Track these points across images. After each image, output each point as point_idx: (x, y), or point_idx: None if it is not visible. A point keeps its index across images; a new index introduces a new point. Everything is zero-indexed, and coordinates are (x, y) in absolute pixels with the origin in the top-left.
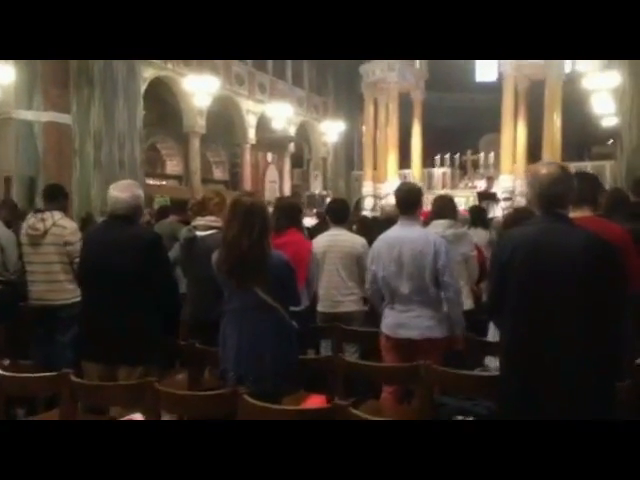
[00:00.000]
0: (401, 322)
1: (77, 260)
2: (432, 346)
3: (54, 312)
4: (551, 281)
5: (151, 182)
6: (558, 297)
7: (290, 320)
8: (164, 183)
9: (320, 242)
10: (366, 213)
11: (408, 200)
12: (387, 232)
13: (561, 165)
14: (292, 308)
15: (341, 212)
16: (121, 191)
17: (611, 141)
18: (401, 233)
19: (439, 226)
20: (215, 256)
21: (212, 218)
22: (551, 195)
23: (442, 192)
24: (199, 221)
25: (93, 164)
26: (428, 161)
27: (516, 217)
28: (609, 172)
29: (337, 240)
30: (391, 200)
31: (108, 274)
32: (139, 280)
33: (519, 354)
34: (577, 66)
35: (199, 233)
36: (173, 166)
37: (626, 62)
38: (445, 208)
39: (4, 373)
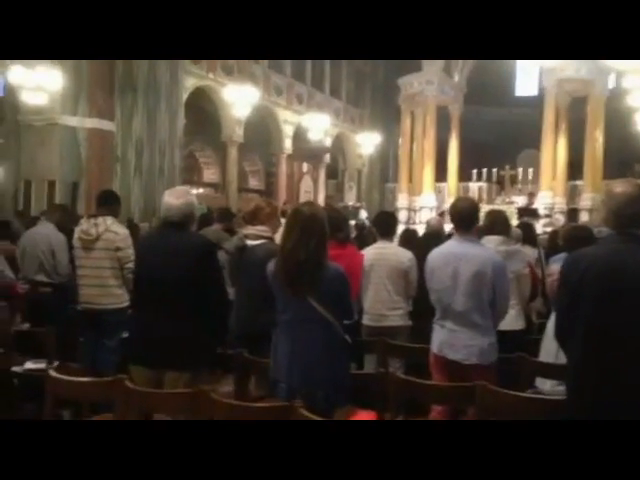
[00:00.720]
0: (451, 342)
1: (128, 266)
2: (482, 371)
3: (103, 316)
4: (626, 303)
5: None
6: (633, 320)
7: (343, 334)
8: (201, 191)
9: (367, 255)
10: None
11: (466, 216)
12: (442, 247)
13: (637, 183)
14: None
15: (389, 225)
16: (176, 198)
17: None
18: (458, 249)
19: (491, 242)
20: (271, 266)
21: (263, 228)
22: (627, 214)
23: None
24: (250, 230)
25: (134, 170)
26: (464, 175)
27: (574, 235)
28: None
29: (384, 253)
30: (428, 214)
31: (161, 280)
32: (191, 287)
33: (590, 378)
34: (622, 82)
35: (249, 242)
36: (210, 174)
37: None
38: (498, 223)
39: (57, 376)
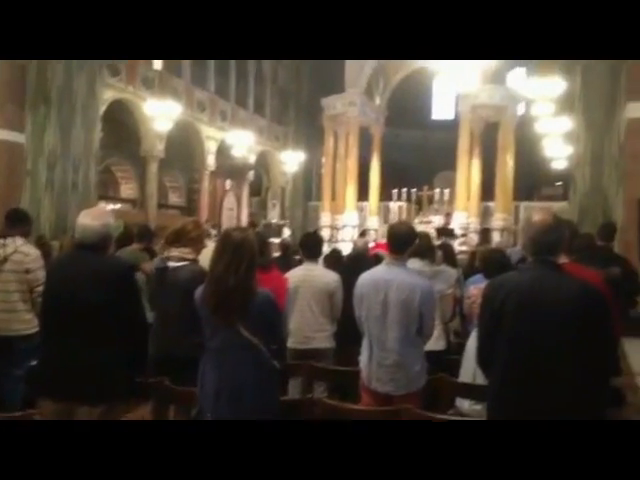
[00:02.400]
0: (378, 376)
1: (38, 289)
2: (410, 397)
3: (10, 343)
4: (546, 329)
5: (103, 205)
6: (552, 345)
7: (272, 360)
8: (117, 206)
9: (293, 277)
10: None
11: (401, 239)
12: (372, 272)
13: (554, 213)
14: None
15: (314, 247)
16: (92, 219)
17: (560, 183)
18: (388, 275)
19: (416, 263)
20: (199, 291)
21: (186, 250)
22: (543, 242)
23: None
24: (173, 252)
25: (45, 185)
26: (385, 195)
27: (490, 257)
28: (557, 213)
29: (310, 275)
30: (350, 232)
31: (74, 306)
32: (107, 313)
33: (511, 401)
34: (530, 110)
35: (171, 264)
36: (127, 189)
37: (580, 110)
38: (423, 246)
39: None
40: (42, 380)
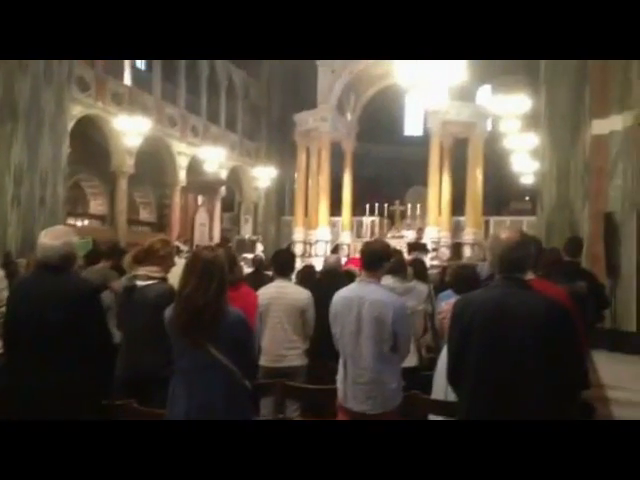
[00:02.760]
0: (354, 394)
1: (1, 310)
2: (386, 416)
3: None
4: (513, 346)
5: (72, 222)
6: (520, 362)
7: (244, 380)
8: (86, 223)
9: (265, 294)
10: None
11: (377, 258)
12: (346, 290)
13: (521, 231)
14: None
15: (287, 264)
16: (53, 238)
17: (528, 198)
18: (361, 292)
19: (387, 280)
20: (169, 311)
21: (154, 268)
22: (511, 260)
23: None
24: (140, 271)
25: (11, 201)
26: (358, 210)
27: (459, 273)
28: (526, 227)
29: (282, 292)
30: (323, 247)
31: (37, 328)
32: (70, 334)
33: (481, 416)
34: (498, 126)
35: (139, 283)
36: (97, 205)
37: (545, 127)
38: (396, 264)
39: None
40: (4, 403)
